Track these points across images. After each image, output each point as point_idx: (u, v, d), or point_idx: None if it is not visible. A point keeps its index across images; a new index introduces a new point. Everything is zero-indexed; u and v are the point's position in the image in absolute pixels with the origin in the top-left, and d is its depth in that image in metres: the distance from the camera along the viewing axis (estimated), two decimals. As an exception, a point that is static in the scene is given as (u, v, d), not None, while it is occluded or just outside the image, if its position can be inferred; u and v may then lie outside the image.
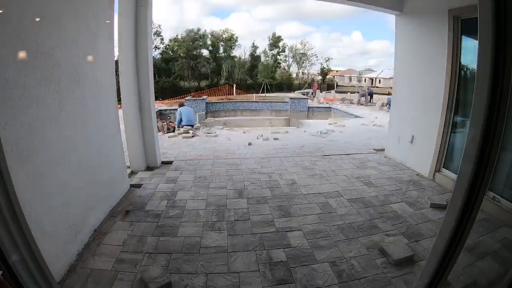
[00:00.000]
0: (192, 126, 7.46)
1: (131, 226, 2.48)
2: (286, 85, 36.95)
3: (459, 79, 3.28)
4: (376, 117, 10.84)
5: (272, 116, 14.45)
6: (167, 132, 6.87)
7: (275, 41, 37.54)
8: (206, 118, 11.72)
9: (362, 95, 18.14)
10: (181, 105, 8.41)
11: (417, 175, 3.83)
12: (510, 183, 2.61)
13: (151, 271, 1.82)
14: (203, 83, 33.67)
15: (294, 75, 40.71)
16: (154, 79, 4.15)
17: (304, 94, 18.65)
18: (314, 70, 41.80)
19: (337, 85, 38.29)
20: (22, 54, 1.58)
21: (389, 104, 11.21)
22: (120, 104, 3.50)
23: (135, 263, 1.98)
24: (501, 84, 0.89)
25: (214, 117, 13.06)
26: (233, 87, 23.73)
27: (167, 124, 7.21)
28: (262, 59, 37.27)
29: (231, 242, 2.27)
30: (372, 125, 8.99)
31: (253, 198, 3.08)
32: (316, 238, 2.33)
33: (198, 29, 34.07)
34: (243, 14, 67.68)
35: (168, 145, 5.59)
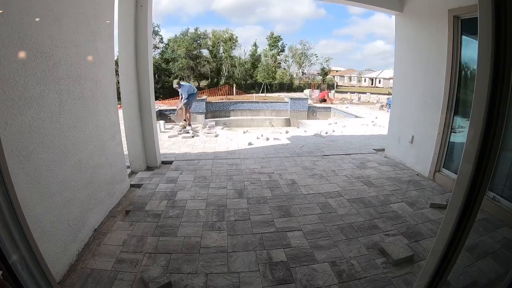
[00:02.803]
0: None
1: (131, 226, 2.48)
2: (287, 85, 36.96)
3: (459, 79, 3.28)
4: (376, 117, 10.84)
5: (272, 116, 14.43)
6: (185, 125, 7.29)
7: (273, 41, 37.48)
8: (206, 118, 11.72)
9: None
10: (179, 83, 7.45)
11: (417, 175, 3.83)
12: (510, 183, 2.61)
13: (151, 271, 1.82)
14: (203, 83, 33.66)
15: (294, 75, 40.69)
16: (154, 79, 4.15)
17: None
18: (314, 70, 41.80)
19: (337, 85, 38.31)
20: (22, 54, 1.58)
21: (389, 104, 11.21)
22: (120, 104, 3.51)
23: (135, 263, 1.98)
24: (501, 83, 0.89)
25: (214, 117, 13.05)
26: (233, 87, 23.72)
27: (189, 112, 7.40)
28: (262, 59, 37.25)
29: (231, 242, 2.26)
30: (372, 125, 9.00)
31: (253, 198, 3.08)
32: (316, 238, 2.33)
33: (196, 28, 34.02)
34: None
35: (168, 145, 5.60)
